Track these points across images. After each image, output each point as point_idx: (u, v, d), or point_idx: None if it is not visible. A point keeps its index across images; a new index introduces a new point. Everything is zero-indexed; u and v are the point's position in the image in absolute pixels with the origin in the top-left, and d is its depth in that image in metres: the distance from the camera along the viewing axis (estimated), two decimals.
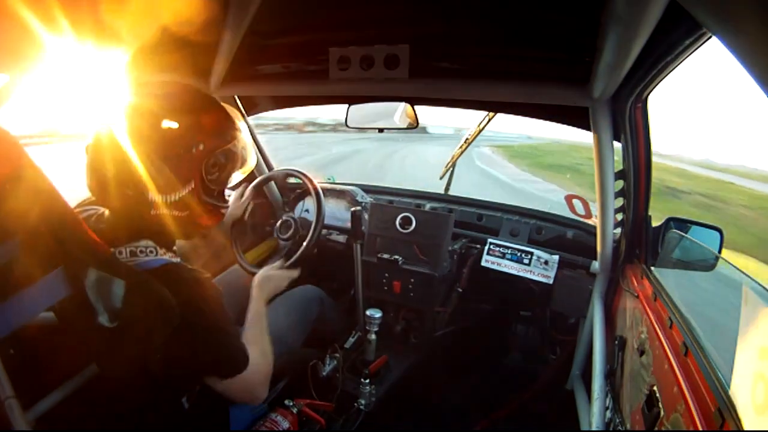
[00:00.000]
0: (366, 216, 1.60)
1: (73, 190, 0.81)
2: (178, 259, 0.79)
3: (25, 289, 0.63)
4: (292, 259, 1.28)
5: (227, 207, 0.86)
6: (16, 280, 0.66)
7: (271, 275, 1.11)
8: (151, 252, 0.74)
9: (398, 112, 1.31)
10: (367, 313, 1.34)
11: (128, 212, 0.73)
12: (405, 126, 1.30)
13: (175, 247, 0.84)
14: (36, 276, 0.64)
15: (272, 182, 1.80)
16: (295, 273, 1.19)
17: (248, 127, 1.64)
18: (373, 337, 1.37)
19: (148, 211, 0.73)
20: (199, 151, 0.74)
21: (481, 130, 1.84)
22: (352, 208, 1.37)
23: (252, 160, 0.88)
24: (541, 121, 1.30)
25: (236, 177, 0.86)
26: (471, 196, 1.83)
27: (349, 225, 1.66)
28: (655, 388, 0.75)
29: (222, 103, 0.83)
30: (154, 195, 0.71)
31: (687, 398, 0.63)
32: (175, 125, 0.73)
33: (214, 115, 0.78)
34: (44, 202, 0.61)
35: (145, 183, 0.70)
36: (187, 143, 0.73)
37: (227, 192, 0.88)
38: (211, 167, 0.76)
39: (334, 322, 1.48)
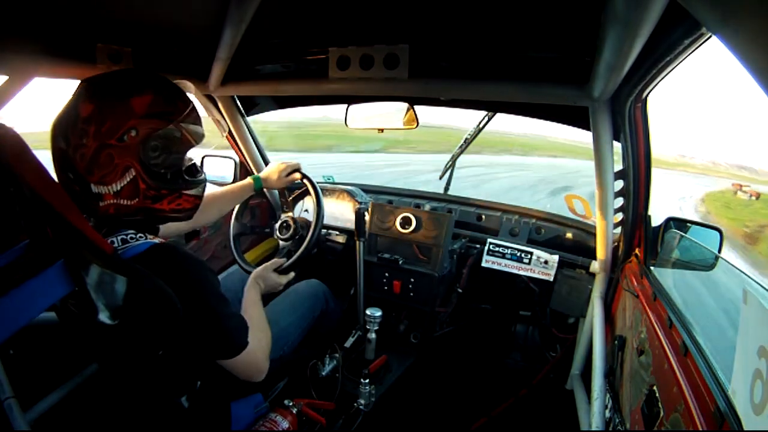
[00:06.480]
0: (367, 216, 1.60)
1: None
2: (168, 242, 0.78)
3: (25, 283, 0.62)
4: (292, 260, 1.28)
5: (197, 186, 0.81)
6: (17, 275, 0.66)
7: (267, 277, 1.13)
8: (137, 238, 0.73)
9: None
10: (367, 312, 1.34)
11: (84, 208, 0.72)
12: (403, 126, 1.30)
13: (160, 234, 0.83)
14: (36, 271, 0.63)
15: None
16: (290, 276, 1.22)
17: (247, 126, 1.64)
18: (373, 336, 1.37)
19: (97, 204, 0.71)
20: (132, 137, 0.70)
21: (480, 130, 1.85)
22: (356, 207, 1.37)
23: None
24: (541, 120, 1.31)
25: (196, 154, 0.81)
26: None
27: (348, 225, 1.66)
28: (654, 387, 0.75)
29: (166, 78, 0.77)
30: (96, 187, 0.70)
31: (686, 398, 0.62)
32: (99, 119, 0.69)
33: (147, 98, 0.72)
34: (45, 197, 0.61)
35: (84, 177, 0.69)
36: (116, 133, 0.69)
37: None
38: (151, 151, 0.72)
39: (336, 318, 1.48)
